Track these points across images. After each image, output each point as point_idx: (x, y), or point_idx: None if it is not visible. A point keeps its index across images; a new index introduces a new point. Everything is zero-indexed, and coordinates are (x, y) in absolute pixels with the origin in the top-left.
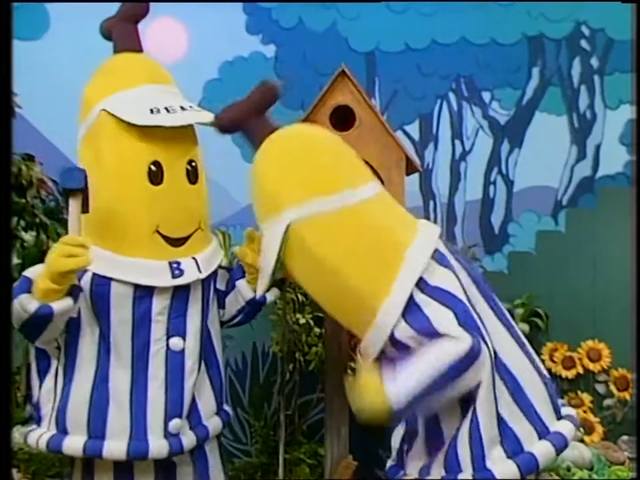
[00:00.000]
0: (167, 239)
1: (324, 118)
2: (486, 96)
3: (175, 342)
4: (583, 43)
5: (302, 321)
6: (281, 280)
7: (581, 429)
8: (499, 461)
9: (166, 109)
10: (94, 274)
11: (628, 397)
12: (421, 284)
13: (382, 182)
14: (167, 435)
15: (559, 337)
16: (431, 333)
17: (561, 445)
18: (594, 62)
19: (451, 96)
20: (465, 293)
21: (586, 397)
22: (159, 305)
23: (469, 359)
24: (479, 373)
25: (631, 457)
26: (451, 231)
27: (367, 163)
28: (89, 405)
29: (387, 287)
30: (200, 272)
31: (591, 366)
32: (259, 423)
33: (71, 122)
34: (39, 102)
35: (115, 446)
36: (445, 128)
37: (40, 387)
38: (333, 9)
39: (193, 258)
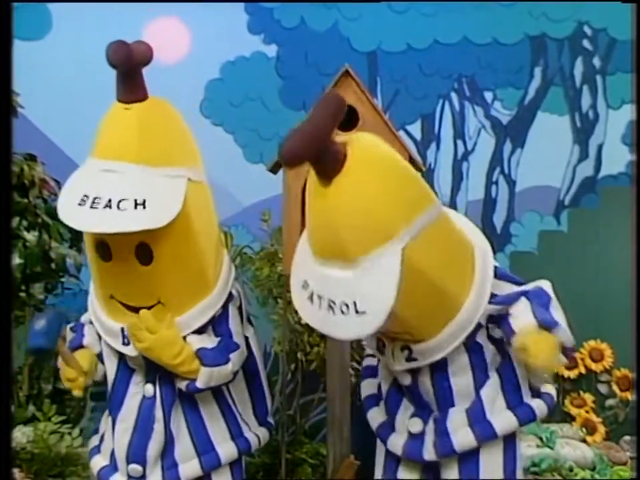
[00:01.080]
0: (123, 304)
1: None
2: (488, 96)
3: (148, 388)
4: (585, 43)
5: (304, 321)
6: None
7: (583, 429)
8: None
9: (94, 200)
10: None
11: (630, 397)
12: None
13: None
14: (129, 478)
15: None
16: (515, 293)
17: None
18: (596, 62)
19: (453, 96)
20: None
21: (588, 397)
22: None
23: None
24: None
25: (633, 457)
26: None
27: None
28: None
29: (470, 284)
30: None
31: (593, 366)
32: None
33: (73, 122)
34: (41, 102)
35: None
36: (447, 128)
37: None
38: (334, 9)
39: None
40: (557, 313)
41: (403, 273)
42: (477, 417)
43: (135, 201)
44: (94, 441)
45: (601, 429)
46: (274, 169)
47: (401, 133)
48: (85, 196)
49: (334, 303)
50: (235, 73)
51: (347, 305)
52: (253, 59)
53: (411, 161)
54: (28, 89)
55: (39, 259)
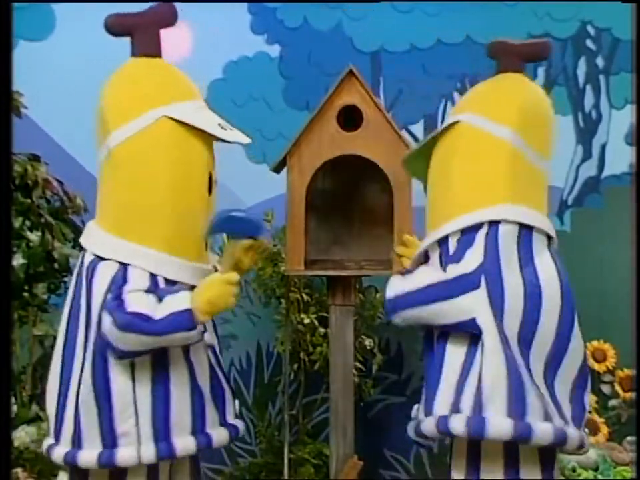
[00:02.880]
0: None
1: (331, 118)
2: None
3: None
4: (589, 43)
5: (306, 320)
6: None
7: (586, 430)
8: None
9: (219, 125)
10: (165, 279)
11: (633, 398)
12: (491, 229)
13: (388, 182)
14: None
15: None
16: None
17: None
18: (599, 62)
19: (456, 96)
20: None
21: (591, 398)
22: None
23: (461, 285)
24: (469, 307)
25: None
26: None
27: (373, 163)
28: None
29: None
30: None
31: (596, 366)
32: (264, 422)
33: (76, 122)
34: (45, 102)
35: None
36: None
37: (110, 408)
38: (338, 9)
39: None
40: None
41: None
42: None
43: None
44: None
45: (604, 430)
46: (277, 169)
47: (404, 133)
48: (220, 124)
49: None
50: (238, 73)
51: None
52: (256, 59)
53: None
54: (31, 89)
55: (42, 259)
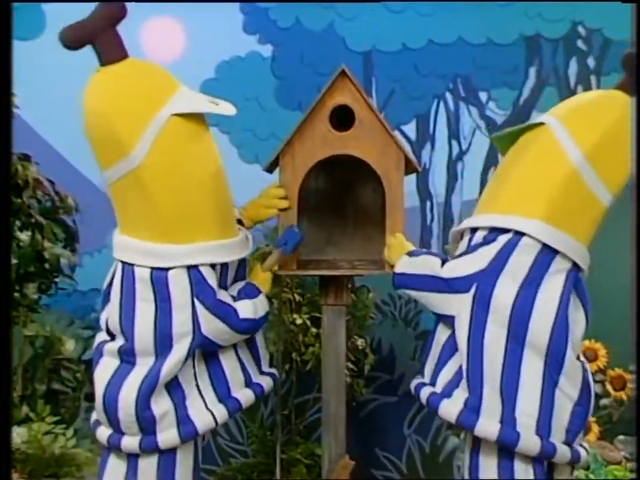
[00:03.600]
0: None
1: (323, 118)
2: (483, 96)
3: None
4: (580, 43)
5: (299, 321)
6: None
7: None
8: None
9: (211, 102)
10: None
11: (624, 397)
12: (514, 237)
13: (381, 182)
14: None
15: None
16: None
17: None
18: (590, 62)
19: (448, 96)
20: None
21: None
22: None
23: (452, 285)
24: (453, 306)
25: (628, 456)
26: (448, 231)
27: (366, 163)
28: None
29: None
30: None
31: (587, 366)
32: (256, 423)
33: (67, 122)
34: (36, 102)
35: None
36: (442, 128)
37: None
38: (330, 9)
39: None
40: None
41: None
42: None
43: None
44: None
45: (595, 429)
46: (270, 169)
47: (396, 133)
48: (211, 101)
49: None
50: (230, 73)
51: None
52: (248, 59)
53: (406, 160)
54: (22, 89)
55: (32, 259)
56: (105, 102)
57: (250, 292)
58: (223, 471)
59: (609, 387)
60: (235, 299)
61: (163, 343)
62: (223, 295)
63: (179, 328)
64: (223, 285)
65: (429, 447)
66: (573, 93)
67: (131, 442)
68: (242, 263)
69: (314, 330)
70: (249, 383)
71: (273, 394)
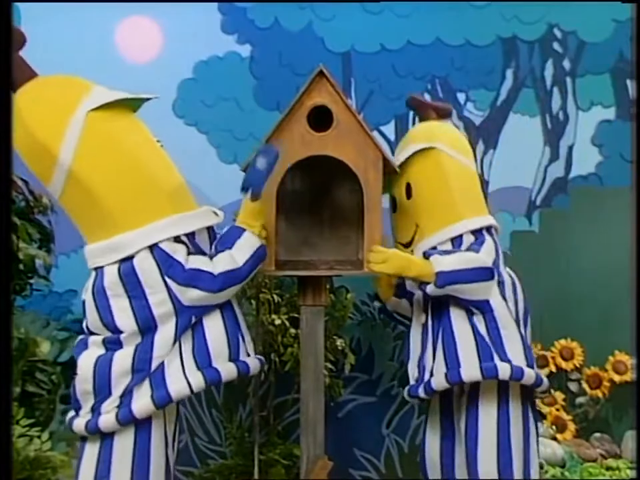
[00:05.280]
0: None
1: (301, 118)
2: (461, 97)
3: None
4: (556, 45)
5: (277, 321)
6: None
7: (554, 427)
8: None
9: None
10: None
11: (600, 395)
12: (490, 231)
13: (359, 182)
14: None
15: (533, 335)
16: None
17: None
18: (566, 64)
19: (427, 97)
20: None
21: (559, 395)
22: None
23: (489, 272)
24: (488, 290)
25: (603, 454)
26: None
27: (344, 163)
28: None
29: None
30: None
31: (563, 364)
32: (234, 424)
33: None
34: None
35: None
36: None
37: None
38: (308, 9)
39: None
40: None
41: None
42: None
43: None
44: None
45: (571, 427)
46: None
47: (375, 134)
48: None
49: None
50: (208, 73)
51: None
52: (226, 59)
53: (385, 161)
54: None
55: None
56: (24, 117)
57: (228, 238)
58: (201, 473)
59: (585, 386)
60: (212, 257)
61: (147, 325)
62: (196, 261)
63: (158, 309)
64: (197, 252)
65: (407, 447)
66: (549, 94)
67: (108, 418)
68: (212, 233)
69: (292, 330)
70: (234, 359)
71: (252, 394)
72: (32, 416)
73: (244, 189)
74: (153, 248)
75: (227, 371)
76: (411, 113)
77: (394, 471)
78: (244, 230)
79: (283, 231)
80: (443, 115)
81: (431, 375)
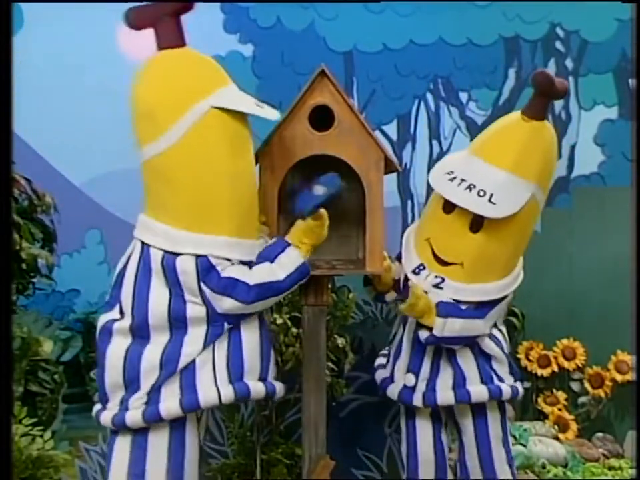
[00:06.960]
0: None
1: (303, 118)
2: (463, 96)
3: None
4: (558, 45)
5: (279, 321)
6: None
7: (556, 427)
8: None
9: (256, 104)
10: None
11: (602, 395)
12: None
13: (361, 182)
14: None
15: (535, 335)
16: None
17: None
18: (568, 63)
19: (429, 96)
20: None
21: (561, 395)
22: None
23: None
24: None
25: (605, 453)
26: None
27: (345, 162)
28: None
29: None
30: None
31: (566, 364)
32: (236, 423)
33: (43, 120)
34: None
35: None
36: (423, 128)
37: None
38: (311, 9)
39: None
40: None
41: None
42: (458, 383)
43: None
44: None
45: (574, 426)
46: None
47: (377, 133)
48: (257, 103)
49: (474, 186)
50: None
51: (484, 192)
52: (228, 58)
53: (386, 160)
54: None
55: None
56: (151, 82)
57: (271, 251)
58: (203, 472)
59: (587, 385)
60: (251, 266)
61: (177, 324)
62: (232, 270)
63: (192, 312)
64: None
65: None
66: None
67: (135, 415)
68: None
69: (294, 330)
70: (263, 379)
71: None
72: (34, 415)
73: (296, 211)
74: (199, 256)
75: (256, 390)
76: (414, 112)
77: (396, 471)
78: (288, 245)
79: (285, 230)
80: (563, 95)
81: (431, 388)
